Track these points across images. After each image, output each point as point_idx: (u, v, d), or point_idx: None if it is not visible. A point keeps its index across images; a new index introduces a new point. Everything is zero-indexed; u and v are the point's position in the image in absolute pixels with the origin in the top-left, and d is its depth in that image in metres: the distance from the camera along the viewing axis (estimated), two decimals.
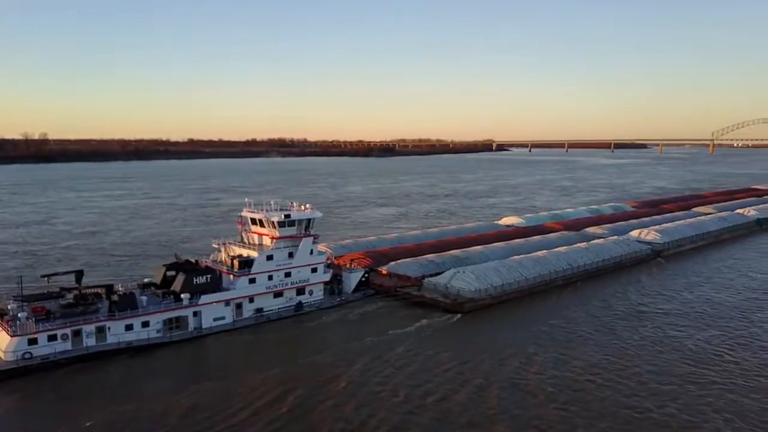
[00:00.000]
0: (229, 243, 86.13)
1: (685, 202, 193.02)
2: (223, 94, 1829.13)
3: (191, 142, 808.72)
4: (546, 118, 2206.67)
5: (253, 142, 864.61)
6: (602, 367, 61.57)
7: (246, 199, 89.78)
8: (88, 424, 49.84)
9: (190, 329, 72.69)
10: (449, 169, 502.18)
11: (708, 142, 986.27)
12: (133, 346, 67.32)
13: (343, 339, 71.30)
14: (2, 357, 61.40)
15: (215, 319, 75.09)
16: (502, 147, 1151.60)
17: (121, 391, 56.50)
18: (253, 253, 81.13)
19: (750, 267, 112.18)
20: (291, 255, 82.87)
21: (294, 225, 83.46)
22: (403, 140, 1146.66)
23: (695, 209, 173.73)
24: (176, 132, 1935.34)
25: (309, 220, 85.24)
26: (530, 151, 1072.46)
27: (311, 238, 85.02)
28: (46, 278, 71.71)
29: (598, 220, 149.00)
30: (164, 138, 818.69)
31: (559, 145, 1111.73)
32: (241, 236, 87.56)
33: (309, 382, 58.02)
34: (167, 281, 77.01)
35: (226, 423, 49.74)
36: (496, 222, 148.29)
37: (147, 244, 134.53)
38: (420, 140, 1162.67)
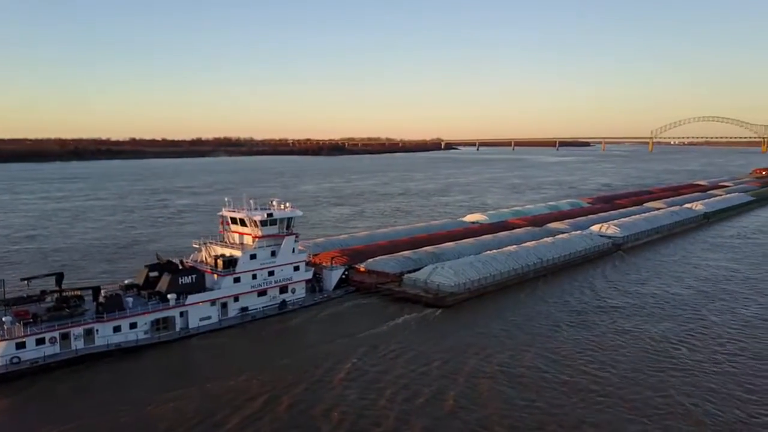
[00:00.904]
0: (210, 243, 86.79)
1: (637, 198, 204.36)
2: (165, 92, 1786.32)
3: (133, 141, 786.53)
4: (493, 117, 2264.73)
5: (198, 141, 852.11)
6: (580, 360, 65.21)
7: (225, 198, 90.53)
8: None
9: (177, 329, 73.34)
10: (400, 168, 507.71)
11: (647, 140, 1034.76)
12: (122, 347, 67.58)
13: (329, 337, 72.98)
14: None
15: (201, 319, 75.90)
16: (450, 146, 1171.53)
17: (107, 397, 56.12)
18: (236, 253, 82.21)
19: (700, 258, 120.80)
20: (273, 254, 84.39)
21: (275, 224, 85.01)
22: (352, 139, 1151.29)
23: (647, 204, 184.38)
24: (117, 131, 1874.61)
25: (290, 218, 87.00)
26: (478, 149, 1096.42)
27: (293, 237, 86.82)
28: (26, 281, 70.88)
29: (558, 215, 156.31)
30: (104, 137, 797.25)
31: (506, 143, 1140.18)
32: (221, 235, 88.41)
33: (299, 383, 58.83)
34: (150, 282, 77.25)
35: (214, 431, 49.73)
36: (461, 219, 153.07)
37: (94, 247, 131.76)
38: (369, 139, 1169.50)
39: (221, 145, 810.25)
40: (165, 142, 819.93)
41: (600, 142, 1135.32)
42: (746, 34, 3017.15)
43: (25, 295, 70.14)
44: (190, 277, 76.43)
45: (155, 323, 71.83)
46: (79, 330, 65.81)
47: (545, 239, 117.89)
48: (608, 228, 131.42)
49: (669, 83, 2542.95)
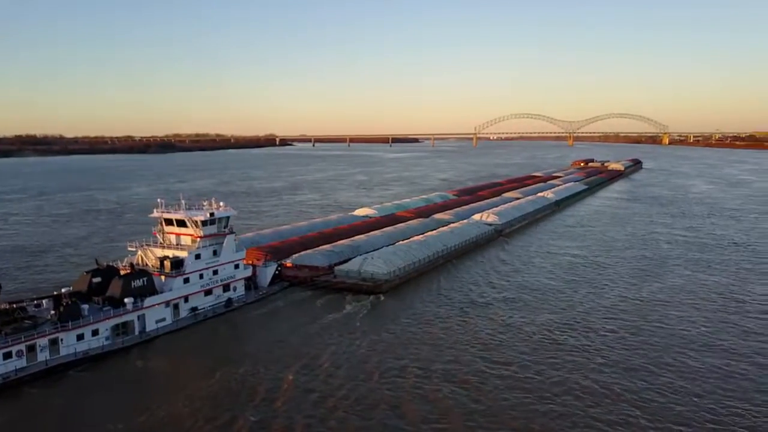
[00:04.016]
0: (147, 245, 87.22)
1: (494, 189, 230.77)
2: None
3: None
4: (328, 114, 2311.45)
5: None
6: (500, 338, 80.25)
7: (158, 200, 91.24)
8: None
9: (136, 333, 74.34)
10: (238, 166, 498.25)
11: (471, 136, 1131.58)
12: (90, 355, 67.60)
13: (288, 330, 77.98)
14: None
15: (157, 321, 77.43)
16: (285, 142, 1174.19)
17: (96, 412, 56.21)
18: (181, 253, 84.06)
19: (558, 246, 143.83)
20: (215, 253, 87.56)
21: (215, 223, 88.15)
22: (179, 135, 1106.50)
23: (505, 195, 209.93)
24: None
25: (228, 217, 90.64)
26: (314, 145, 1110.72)
27: (233, 235, 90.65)
28: None
29: (436, 207, 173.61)
30: None
31: (342, 139, 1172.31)
32: (155, 237, 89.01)
33: (276, 380, 62.46)
34: (94, 288, 76.67)
35: None
36: (352, 214, 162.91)
37: None
38: (197, 135, 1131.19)
39: (27, 144, 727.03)
40: None
41: (429, 138, 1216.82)
42: (553, 39, 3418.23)
43: None
44: (141, 280, 77.44)
45: (115, 328, 72.33)
46: (44, 341, 64.84)
47: (442, 228, 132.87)
48: (488, 216, 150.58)
49: (490, 83, 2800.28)
